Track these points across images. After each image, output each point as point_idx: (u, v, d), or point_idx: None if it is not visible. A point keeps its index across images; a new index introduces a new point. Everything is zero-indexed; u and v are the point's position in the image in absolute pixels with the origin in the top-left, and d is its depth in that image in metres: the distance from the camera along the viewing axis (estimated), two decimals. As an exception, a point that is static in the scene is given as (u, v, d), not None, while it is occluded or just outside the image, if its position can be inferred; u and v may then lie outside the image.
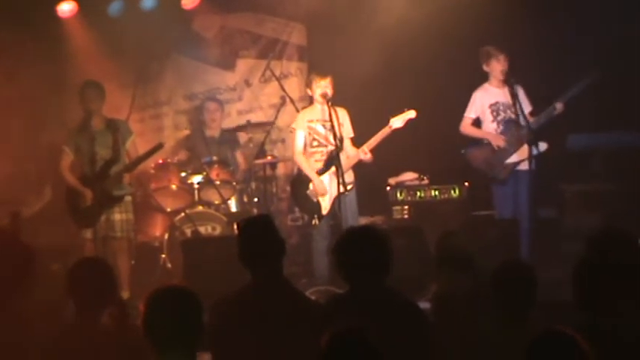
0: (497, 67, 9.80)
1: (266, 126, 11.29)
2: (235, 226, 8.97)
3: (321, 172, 9.50)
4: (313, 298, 7.59)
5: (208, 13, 12.07)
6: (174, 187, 10.49)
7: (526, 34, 10.62)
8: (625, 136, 10.72)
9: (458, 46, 10.39)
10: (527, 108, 9.73)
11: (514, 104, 9.70)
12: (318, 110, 9.56)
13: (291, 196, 10.20)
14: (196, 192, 10.52)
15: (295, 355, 4.85)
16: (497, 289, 5.08)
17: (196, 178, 10.53)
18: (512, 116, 9.78)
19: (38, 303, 5.50)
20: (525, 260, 7.79)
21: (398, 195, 10.74)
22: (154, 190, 10.54)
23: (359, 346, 3.75)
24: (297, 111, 10.35)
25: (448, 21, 10.38)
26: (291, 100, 10.92)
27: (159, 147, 9.75)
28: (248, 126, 11.33)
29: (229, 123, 11.65)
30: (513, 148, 9.71)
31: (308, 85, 9.68)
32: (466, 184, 10.58)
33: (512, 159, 9.72)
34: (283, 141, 12.02)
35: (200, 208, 10.45)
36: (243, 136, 11.50)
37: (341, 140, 9.33)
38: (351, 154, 9.47)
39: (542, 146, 9.42)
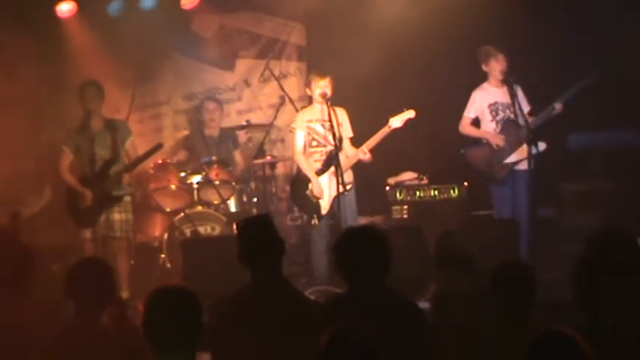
0: (496, 66, 9.81)
1: (265, 126, 11.30)
2: (235, 226, 8.96)
3: (320, 172, 9.50)
4: (312, 297, 7.60)
5: (207, 13, 12.07)
6: (173, 187, 10.48)
7: (526, 34, 10.63)
8: (624, 135, 10.73)
9: (457, 45, 10.39)
10: (525, 108, 9.73)
11: (513, 104, 9.71)
12: (318, 110, 9.56)
13: (291, 196, 10.20)
14: (196, 192, 10.52)
15: (295, 355, 4.85)
16: (496, 289, 5.08)
17: (196, 178, 10.53)
18: (511, 116, 9.78)
19: (38, 303, 5.50)
20: (524, 260, 7.79)
21: (397, 195, 10.75)
22: (153, 190, 10.53)
23: (358, 346, 3.75)
24: (297, 111, 10.34)
25: (448, 21, 10.39)
26: (291, 100, 10.91)
27: (158, 147, 9.76)
28: (248, 126, 11.33)
29: (229, 123, 11.64)
30: (512, 147, 9.71)
31: (307, 84, 9.68)
32: (465, 183, 10.59)
33: (511, 158, 9.73)
34: (282, 141, 12.01)
35: (199, 208, 10.45)
36: (242, 136, 11.50)
37: (340, 140, 9.33)
38: (350, 154, 9.47)
39: (541, 146, 9.42)
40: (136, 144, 9.82)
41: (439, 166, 10.73)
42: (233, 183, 10.63)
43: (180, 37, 12.10)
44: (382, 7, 10.79)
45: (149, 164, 10.37)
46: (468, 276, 5.97)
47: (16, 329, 5.11)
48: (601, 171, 10.66)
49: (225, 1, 12.24)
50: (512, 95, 9.68)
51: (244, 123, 11.40)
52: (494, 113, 9.88)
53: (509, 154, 9.73)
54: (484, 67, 9.92)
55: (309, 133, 9.57)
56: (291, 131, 9.86)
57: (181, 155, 11.02)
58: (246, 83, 12.38)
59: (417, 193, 10.74)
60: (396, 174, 10.97)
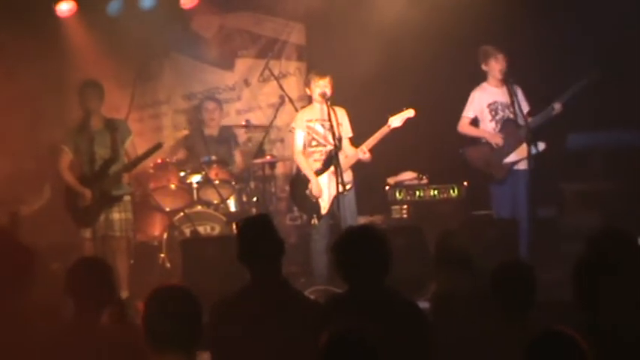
0: (495, 66, 9.80)
1: (265, 126, 11.30)
2: (234, 226, 9.00)
3: (319, 172, 9.50)
4: (312, 297, 7.60)
5: (207, 12, 12.07)
6: (173, 186, 10.49)
7: (526, 34, 10.63)
8: (624, 135, 10.73)
9: (457, 45, 10.39)
10: (525, 108, 9.73)
11: (512, 104, 9.71)
12: (317, 110, 9.56)
13: (290, 195, 10.20)
14: (195, 192, 10.52)
15: (294, 354, 4.85)
16: (495, 288, 5.08)
17: (195, 178, 10.53)
18: (511, 116, 9.78)
19: (37, 302, 5.49)
20: (524, 260, 7.79)
21: (397, 194, 10.75)
22: (152, 189, 10.53)
23: (358, 345, 3.75)
24: (296, 110, 10.35)
25: (447, 21, 10.39)
26: (290, 100, 10.91)
27: (158, 147, 9.76)
28: (247, 125, 11.33)
29: (228, 122, 11.65)
30: (511, 147, 9.71)
31: (307, 84, 9.68)
32: (465, 183, 10.60)
33: (511, 158, 9.73)
34: (282, 140, 12.00)
35: (199, 207, 10.45)
36: (242, 136, 11.50)
37: (340, 140, 9.33)
38: (349, 154, 9.47)
39: (541, 146, 9.43)
40: (135, 143, 9.82)
41: (439, 165, 10.73)
42: (233, 183, 10.64)
43: (179, 36, 12.11)
44: (382, 7, 10.79)
45: (149, 164, 10.38)
46: (467, 276, 5.97)
47: (16, 328, 5.10)
48: (601, 171, 10.66)
49: (224, 0, 12.24)
50: (512, 95, 9.69)
51: (244, 123, 11.39)
52: (493, 113, 9.88)
53: (509, 153, 9.73)
54: (483, 67, 9.92)
55: (308, 133, 9.57)
56: (290, 131, 9.86)
57: (181, 155, 11.02)
58: (246, 83, 12.38)
59: (417, 192, 10.75)
60: (396, 174, 10.98)
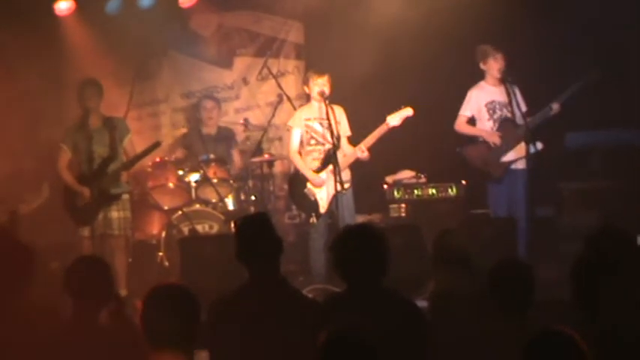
0: (494, 65, 9.80)
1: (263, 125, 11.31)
2: (232, 225, 9.01)
3: (318, 171, 9.50)
4: (310, 296, 7.59)
5: (206, 11, 12.06)
6: (171, 185, 10.49)
7: (525, 33, 10.63)
8: (623, 133, 10.73)
9: (456, 44, 10.39)
10: (522, 108, 9.73)
11: (510, 103, 9.72)
12: (316, 108, 9.56)
13: (289, 194, 10.20)
14: (193, 190, 10.52)
15: (293, 353, 4.85)
16: (494, 287, 5.08)
17: (193, 177, 10.54)
18: (509, 115, 9.78)
19: (36, 301, 5.49)
20: (522, 259, 7.79)
21: (395, 193, 10.76)
22: (151, 188, 10.53)
23: (356, 344, 3.74)
24: (295, 109, 10.35)
25: (446, 20, 10.39)
26: (289, 98, 10.93)
27: (156, 145, 9.77)
28: (246, 124, 11.34)
29: (227, 121, 11.65)
30: (509, 146, 9.71)
31: (305, 83, 9.69)
32: (463, 182, 10.61)
33: (509, 157, 9.73)
34: (280, 139, 12.01)
35: (197, 206, 10.45)
36: (240, 134, 11.50)
37: (338, 138, 9.33)
38: (348, 153, 9.48)
39: (538, 145, 9.43)
40: (134, 142, 9.82)
41: (437, 164, 10.73)
42: (231, 181, 10.64)
43: (178, 35, 12.11)
44: (381, 6, 10.78)
45: (147, 162, 10.38)
46: (466, 274, 5.97)
47: (15, 327, 5.10)
48: (599, 170, 10.66)
49: (223, -1, 12.26)
50: (510, 94, 9.69)
51: (242, 121, 11.39)
52: (491, 112, 9.88)
53: (506, 152, 9.73)
54: (482, 66, 9.92)
55: (307, 132, 9.57)
56: (288, 129, 9.86)
57: (179, 153, 11.01)
58: (245, 81, 12.37)
59: (415, 191, 10.75)
60: (394, 172, 10.98)
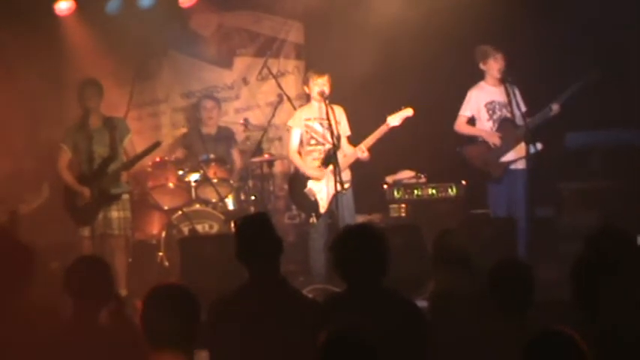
0: (494, 65, 9.80)
1: (263, 125, 11.32)
2: (232, 225, 9.01)
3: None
4: (310, 296, 7.60)
5: (206, 11, 12.07)
6: (171, 185, 10.49)
7: (525, 33, 10.62)
8: (623, 133, 10.72)
9: (456, 44, 10.38)
10: (522, 108, 9.72)
11: (510, 103, 9.72)
12: (316, 108, 9.56)
13: (289, 194, 10.20)
14: (193, 190, 10.52)
15: (293, 353, 4.85)
16: (494, 288, 5.08)
17: (193, 176, 10.54)
18: (508, 115, 9.78)
19: (36, 301, 5.49)
20: (522, 259, 7.79)
21: (395, 193, 10.76)
22: (151, 188, 10.54)
23: (357, 344, 3.75)
24: (294, 109, 10.35)
25: (446, 20, 10.38)
26: (289, 98, 10.93)
27: (156, 145, 9.77)
28: (246, 124, 11.33)
29: (227, 121, 11.65)
30: (509, 146, 9.71)
31: (305, 83, 9.70)
32: (463, 182, 10.61)
33: (508, 157, 9.72)
34: (280, 139, 12.01)
35: (197, 206, 10.45)
36: (240, 134, 11.50)
37: (338, 138, 9.33)
38: (348, 153, 9.48)
39: (538, 145, 9.43)
40: (134, 142, 9.83)
41: (437, 164, 10.73)
42: (231, 181, 10.64)
43: (178, 35, 12.11)
44: (381, 6, 10.77)
45: (147, 162, 10.38)
46: (466, 275, 5.97)
47: (15, 327, 5.10)
48: (599, 170, 10.65)
49: (223, -1, 12.27)
50: (509, 94, 9.69)
51: (242, 121, 11.39)
52: (491, 112, 9.88)
53: (506, 152, 9.72)
54: (481, 66, 9.91)
55: (307, 132, 9.57)
56: (287, 129, 9.86)
57: (179, 153, 11.01)
58: (245, 81, 12.37)
59: (415, 191, 10.76)
60: (394, 172, 10.99)
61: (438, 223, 9.10)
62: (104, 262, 5.53)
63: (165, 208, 10.53)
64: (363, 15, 10.82)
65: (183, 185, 10.54)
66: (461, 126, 10.01)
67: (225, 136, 11.18)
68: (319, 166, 9.49)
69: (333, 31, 11.17)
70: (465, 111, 9.99)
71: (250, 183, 11.05)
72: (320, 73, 9.48)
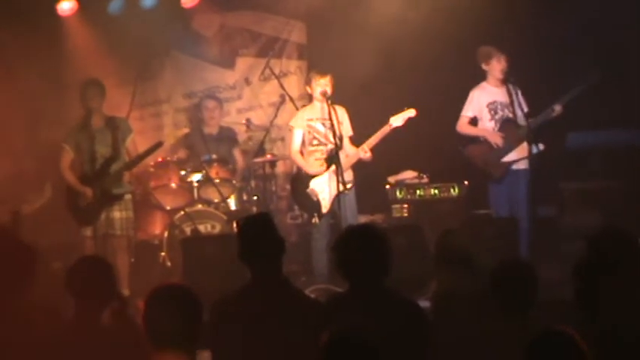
0: (497, 66, 9.80)
1: (266, 125, 11.32)
2: (235, 225, 8.99)
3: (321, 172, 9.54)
4: (313, 296, 7.59)
5: (208, 11, 12.07)
6: (173, 185, 10.50)
7: (526, 34, 10.62)
8: (624, 134, 10.72)
9: (458, 45, 10.38)
10: (524, 108, 9.72)
11: (512, 103, 9.72)
12: (318, 109, 9.57)
13: (291, 194, 10.20)
14: (196, 190, 10.53)
15: (295, 353, 4.85)
16: (496, 288, 5.08)
17: (196, 177, 10.54)
18: (510, 115, 9.78)
19: (38, 301, 5.50)
20: (525, 259, 7.79)
21: (397, 193, 10.77)
22: (153, 188, 10.54)
23: (359, 345, 3.75)
24: (297, 109, 10.35)
25: (448, 20, 10.38)
26: (291, 99, 10.91)
27: (158, 145, 9.77)
28: (249, 124, 11.34)
29: (229, 121, 11.64)
30: (511, 146, 9.71)
31: (307, 83, 9.71)
32: (465, 182, 10.61)
33: (510, 157, 9.72)
34: (283, 139, 12.00)
35: (199, 206, 10.45)
36: (242, 135, 11.50)
37: (340, 139, 9.34)
38: (350, 153, 9.48)
39: (540, 146, 9.43)
40: (136, 142, 9.83)
41: (439, 164, 10.73)
42: (233, 181, 10.64)
43: (180, 35, 12.12)
44: (383, 7, 10.77)
45: (149, 162, 10.38)
46: (468, 275, 5.97)
47: (17, 328, 5.11)
48: (601, 170, 10.65)
49: (225, -1, 12.27)
50: (511, 94, 9.70)
51: (244, 122, 11.39)
52: (492, 112, 9.88)
53: (507, 152, 9.72)
54: (484, 66, 9.91)
55: (309, 132, 9.58)
56: (290, 130, 9.87)
57: (181, 153, 11.01)
58: (247, 82, 12.38)
59: (417, 191, 10.76)
60: (397, 173, 10.99)
61: (440, 224, 9.12)
62: (106, 262, 5.54)
63: (168, 208, 10.53)
64: (366, 15, 10.81)
65: (185, 185, 10.55)
66: (463, 126, 10.01)
67: (227, 136, 11.18)
68: (321, 165, 9.49)
69: (336, 31, 11.17)
70: (467, 111, 10.00)
71: (253, 183, 11.05)
72: (322, 73, 9.49)
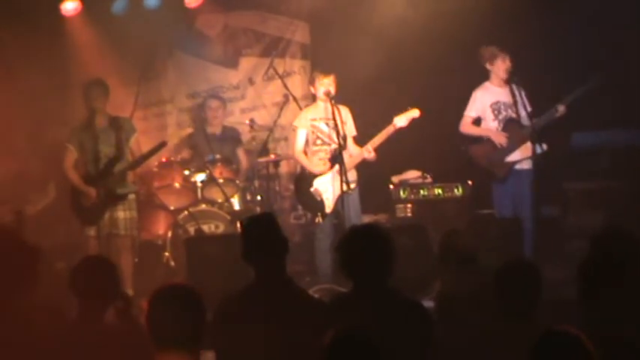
0: (501, 66, 9.79)
1: (269, 125, 11.32)
2: (238, 225, 8.99)
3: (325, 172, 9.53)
4: (317, 296, 7.60)
5: (211, 11, 12.08)
6: (177, 185, 10.50)
7: (531, 33, 10.61)
8: (629, 134, 10.71)
9: (462, 45, 10.38)
10: (527, 108, 9.72)
11: (515, 103, 9.71)
12: (321, 108, 9.56)
13: (295, 194, 10.20)
14: (199, 190, 10.52)
15: (298, 353, 4.84)
16: (500, 288, 5.07)
17: (199, 177, 10.53)
18: (513, 115, 9.77)
19: (42, 301, 5.50)
20: (529, 259, 7.79)
21: (401, 193, 10.76)
22: (157, 188, 10.54)
23: (362, 345, 3.75)
24: (300, 109, 10.35)
25: (452, 20, 10.37)
26: (294, 98, 10.93)
27: (162, 145, 9.78)
28: (252, 124, 11.33)
29: (232, 121, 11.65)
30: (514, 146, 9.70)
31: (311, 83, 9.69)
32: (469, 182, 10.61)
33: (514, 157, 9.71)
34: (286, 139, 11.99)
35: (203, 206, 10.45)
36: (246, 135, 11.49)
37: (344, 139, 9.33)
38: (354, 153, 9.48)
39: (543, 146, 9.43)
40: (140, 142, 9.84)
41: (443, 164, 10.73)
42: (237, 181, 10.64)
43: (184, 35, 12.13)
44: (386, 6, 10.78)
45: (153, 162, 10.39)
46: (472, 274, 5.97)
47: (21, 327, 5.11)
48: (605, 170, 10.64)
49: (229, -1, 12.27)
50: (515, 94, 9.69)
51: (248, 122, 11.39)
52: (496, 112, 9.87)
53: (511, 152, 9.72)
54: (488, 66, 9.89)
55: (313, 132, 9.57)
56: (293, 129, 9.86)
57: (185, 153, 11.01)
58: (250, 81, 12.36)
59: (421, 191, 10.75)
60: (400, 172, 10.99)
61: (444, 223, 9.13)
62: (110, 262, 5.54)
63: (172, 208, 10.54)
64: (369, 15, 10.82)
65: (189, 185, 10.54)
66: (466, 126, 10.00)
67: (230, 136, 11.17)
68: (325, 164, 9.49)
69: (339, 31, 11.17)
70: (470, 111, 9.99)
71: (256, 183, 11.06)
72: (326, 73, 9.48)
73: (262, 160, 10.81)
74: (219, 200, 10.52)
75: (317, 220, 9.55)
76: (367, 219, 10.01)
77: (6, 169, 10.37)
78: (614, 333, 4.29)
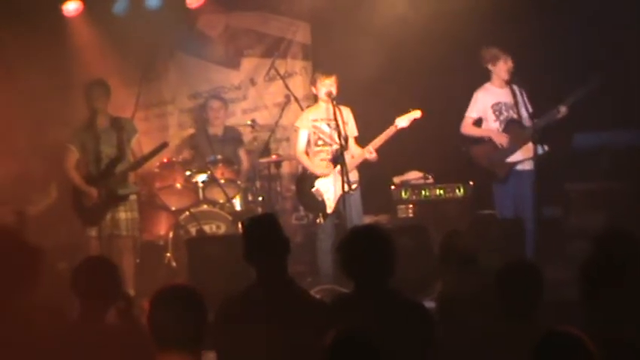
0: (503, 67, 9.78)
1: (270, 126, 11.32)
2: (240, 225, 9.01)
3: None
4: (318, 296, 7.60)
5: (213, 12, 12.08)
6: (178, 185, 10.51)
7: (531, 33, 10.60)
8: (630, 135, 10.70)
9: (463, 46, 10.37)
10: (529, 109, 9.71)
11: (516, 104, 9.71)
12: (323, 109, 9.56)
13: (296, 194, 10.21)
14: (201, 191, 10.52)
15: (300, 354, 4.84)
16: (501, 289, 5.07)
17: (201, 177, 10.54)
18: (515, 116, 9.77)
19: (43, 302, 5.50)
20: (530, 260, 7.78)
21: (402, 194, 10.76)
22: (158, 188, 10.54)
23: (363, 345, 3.75)
24: (302, 110, 10.35)
25: (453, 21, 10.37)
26: (296, 99, 10.94)
27: (163, 146, 9.77)
28: (254, 125, 11.33)
29: (234, 122, 11.66)
30: (515, 147, 9.70)
31: (313, 83, 9.70)
32: (471, 183, 10.61)
33: (514, 158, 9.71)
34: (288, 140, 12.01)
35: (205, 206, 10.45)
36: (247, 135, 11.50)
37: (346, 139, 9.33)
38: (355, 154, 9.48)
39: (545, 147, 9.43)
40: (141, 142, 9.84)
41: (444, 165, 10.73)
42: (238, 182, 10.64)
43: (185, 36, 12.13)
44: (387, 7, 10.78)
45: (154, 163, 10.38)
46: (473, 275, 5.97)
47: (22, 328, 5.11)
48: (607, 171, 10.64)
49: (230, 0, 12.25)
50: (516, 95, 9.69)
51: (249, 122, 11.39)
52: (497, 113, 9.86)
53: (512, 153, 9.71)
54: (490, 67, 9.88)
55: (314, 132, 9.57)
56: (295, 130, 9.86)
57: (187, 154, 11.01)
58: (252, 82, 12.37)
59: (423, 192, 10.75)
60: (402, 173, 10.99)
61: (445, 224, 9.13)
62: (111, 262, 5.55)
63: (173, 208, 10.54)
64: (370, 16, 10.82)
65: (190, 186, 10.55)
66: (467, 127, 10.00)
67: (232, 136, 11.17)
68: (327, 165, 9.50)
69: (341, 32, 11.18)
70: (472, 112, 9.98)
71: (258, 184, 11.06)
72: (327, 73, 9.48)
73: (264, 160, 10.82)
74: (221, 201, 10.52)
75: (318, 221, 9.56)
76: (368, 219, 10.01)
77: (7, 170, 10.36)
78: (615, 334, 4.30)
